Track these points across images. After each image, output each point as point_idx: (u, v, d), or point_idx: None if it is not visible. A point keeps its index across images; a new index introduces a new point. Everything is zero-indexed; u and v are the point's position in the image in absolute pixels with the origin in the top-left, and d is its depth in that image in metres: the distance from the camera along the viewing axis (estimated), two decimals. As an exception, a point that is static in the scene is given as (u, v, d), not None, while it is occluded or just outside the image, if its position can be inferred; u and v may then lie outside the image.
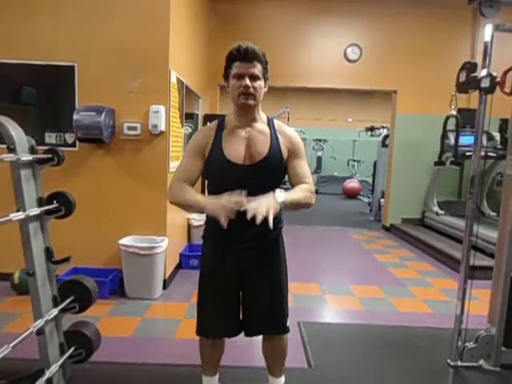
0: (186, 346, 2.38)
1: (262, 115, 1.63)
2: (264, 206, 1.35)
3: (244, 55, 1.48)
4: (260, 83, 1.53)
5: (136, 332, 2.61)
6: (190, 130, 4.82)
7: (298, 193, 1.53)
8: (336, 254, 5.03)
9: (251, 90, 1.50)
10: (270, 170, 1.58)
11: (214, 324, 1.68)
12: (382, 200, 6.96)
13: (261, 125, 1.61)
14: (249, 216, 1.33)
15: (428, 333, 2.76)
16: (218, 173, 1.58)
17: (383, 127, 9.37)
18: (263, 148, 1.55)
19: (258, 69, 1.51)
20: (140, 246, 3.08)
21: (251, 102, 1.53)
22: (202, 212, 1.51)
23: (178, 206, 1.59)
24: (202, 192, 5.14)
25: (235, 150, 1.55)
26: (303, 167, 1.61)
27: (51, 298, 1.61)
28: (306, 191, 1.55)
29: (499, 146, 5.15)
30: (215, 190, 1.59)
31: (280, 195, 1.43)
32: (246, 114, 1.57)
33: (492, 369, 2.25)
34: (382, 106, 10.26)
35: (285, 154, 1.59)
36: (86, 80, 3.17)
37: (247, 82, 1.49)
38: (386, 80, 5.95)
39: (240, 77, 1.50)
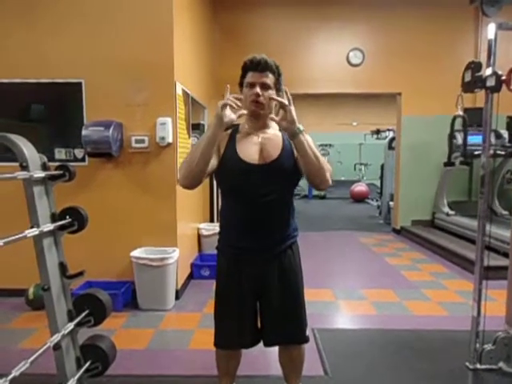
0: (201, 357, 2.37)
1: (274, 125, 1.65)
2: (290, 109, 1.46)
3: (257, 65, 1.54)
4: (271, 93, 1.55)
5: (150, 344, 2.61)
6: (196, 140, 4.86)
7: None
8: (347, 259, 5.00)
9: (261, 98, 1.54)
10: (283, 171, 1.59)
11: (231, 335, 1.67)
12: (391, 203, 6.92)
13: (272, 131, 1.65)
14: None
15: (445, 336, 2.72)
16: (232, 172, 1.59)
17: (389, 130, 9.35)
18: (276, 150, 1.59)
19: (269, 79, 1.55)
20: (151, 257, 3.09)
21: (261, 111, 1.57)
22: (215, 137, 1.48)
23: (192, 178, 1.51)
24: (211, 200, 5.15)
25: (249, 152, 1.58)
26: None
27: (66, 312, 1.62)
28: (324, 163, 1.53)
29: (508, 144, 5.10)
30: (228, 192, 1.63)
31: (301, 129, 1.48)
32: (257, 121, 1.61)
33: (512, 371, 2.21)
34: (386, 109, 10.23)
35: (297, 154, 1.59)
36: (93, 96, 3.22)
37: (258, 90, 1.53)
38: (390, 82, 5.95)
39: (252, 85, 1.55)
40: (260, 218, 1.57)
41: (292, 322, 1.67)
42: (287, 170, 1.59)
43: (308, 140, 1.49)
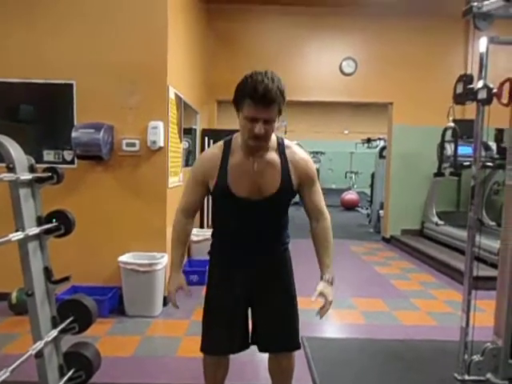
0: (189, 365, 2.33)
1: (272, 139, 1.49)
2: (329, 305, 1.63)
3: (261, 99, 1.31)
4: (274, 125, 1.39)
5: (136, 351, 2.56)
6: (187, 144, 4.83)
7: (326, 246, 1.69)
8: (336, 267, 4.92)
9: (263, 134, 1.37)
10: (281, 203, 1.56)
11: (220, 342, 1.64)
12: (380, 211, 6.96)
13: (271, 154, 1.49)
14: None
15: (433, 346, 2.72)
16: (223, 204, 1.57)
17: (380, 139, 9.43)
18: (273, 183, 1.47)
19: (274, 112, 1.36)
20: (139, 262, 3.05)
21: (262, 144, 1.43)
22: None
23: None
24: (201, 206, 5.11)
25: (242, 185, 1.47)
26: (317, 194, 1.58)
27: (50, 318, 1.57)
28: (327, 233, 1.67)
29: (496, 156, 5.17)
30: (221, 218, 1.61)
31: (328, 277, 1.67)
32: (256, 150, 1.46)
33: (500, 382, 2.20)
34: (378, 118, 10.34)
35: (296, 184, 1.52)
36: (84, 97, 3.18)
37: (261, 130, 1.35)
38: (382, 92, 6.01)
39: (253, 120, 1.35)
40: (253, 233, 1.56)
41: (284, 330, 1.65)
42: (285, 200, 1.56)
43: (331, 268, 1.69)
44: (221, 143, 1.54)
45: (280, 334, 1.65)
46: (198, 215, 5.07)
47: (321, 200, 1.60)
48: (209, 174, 1.50)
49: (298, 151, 1.54)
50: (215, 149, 1.54)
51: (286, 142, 1.55)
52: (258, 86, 1.30)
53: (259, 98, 1.31)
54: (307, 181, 1.54)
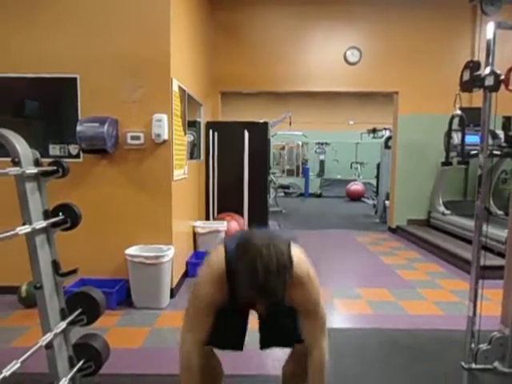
0: (196, 356, 2.35)
1: None
2: None
3: (259, 294, 1.20)
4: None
5: (145, 342, 2.59)
6: (192, 137, 4.83)
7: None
8: (342, 258, 5.00)
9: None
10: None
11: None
12: (386, 202, 6.93)
13: None
14: None
15: (440, 335, 2.72)
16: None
17: (385, 129, 9.36)
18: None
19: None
20: (146, 255, 3.07)
21: None
22: None
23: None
24: (207, 197, 5.10)
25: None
26: (315, 321, 1.49)
27: (59, 310, 1.60)
28: (321, 369, 1.49)
29: (503, 144, 5.10)
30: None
31: None
32: None
33: (507, 371, 2.21)
34: (383, 108, 10.24)
35: (290, 304, 1.46)
36: (88, 91, 3.18)
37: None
38: (387, 81, 5.94)
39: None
40: None
41: (286, 336, 1.64)
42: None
43: None
44: (222, 271, 1.44)
45: (282, 342, 1.67)
46: (203, 207, 5.08)
47: (320, 330, 1.49)
48: (217, 303, 1.49)
49: (304, 275, 1.44)
50: (220, 283, 1.45)
51: (295, 265, 1.35)
52: (254, 283, 1.16)
53: (261, 296, 1.20)
54: (305, 307, 1.48)
